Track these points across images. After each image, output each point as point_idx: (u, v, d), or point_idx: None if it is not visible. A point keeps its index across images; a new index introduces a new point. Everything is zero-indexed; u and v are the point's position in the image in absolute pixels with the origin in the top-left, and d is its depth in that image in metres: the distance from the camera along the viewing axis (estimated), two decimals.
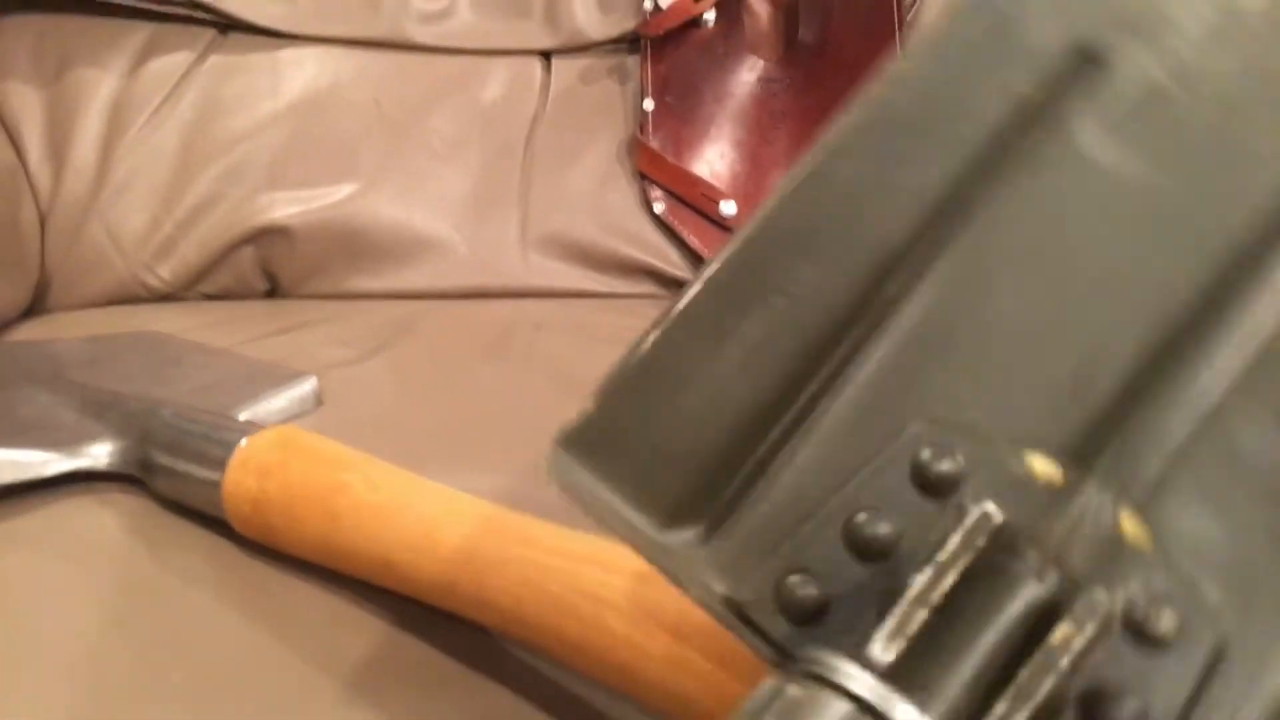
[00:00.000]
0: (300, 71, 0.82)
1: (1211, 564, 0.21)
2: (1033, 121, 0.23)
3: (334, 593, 0.41)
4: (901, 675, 0.19)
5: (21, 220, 0.76)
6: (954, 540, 0.20)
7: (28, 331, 0.74)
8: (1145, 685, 0.20)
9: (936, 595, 0.20)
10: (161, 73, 0.81)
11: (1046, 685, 0.19)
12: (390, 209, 0.80)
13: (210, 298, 0.81)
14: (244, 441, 0.44)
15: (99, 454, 0.49)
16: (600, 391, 0.24)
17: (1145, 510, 0.22)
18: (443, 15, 0.84)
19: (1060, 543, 0.21)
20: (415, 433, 0.55)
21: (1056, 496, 0.22)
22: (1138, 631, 0.20)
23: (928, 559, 0.21)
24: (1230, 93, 0.23)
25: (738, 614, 0.24)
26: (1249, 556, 0.21)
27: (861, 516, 0.23)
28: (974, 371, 0.23)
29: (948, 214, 0.24)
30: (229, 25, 0.82)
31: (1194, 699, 0.20)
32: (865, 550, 0.22)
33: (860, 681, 0.19)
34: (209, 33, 0.82)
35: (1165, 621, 0.20)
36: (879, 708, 0.19)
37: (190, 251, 0.78)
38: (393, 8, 0.83)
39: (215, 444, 0.45)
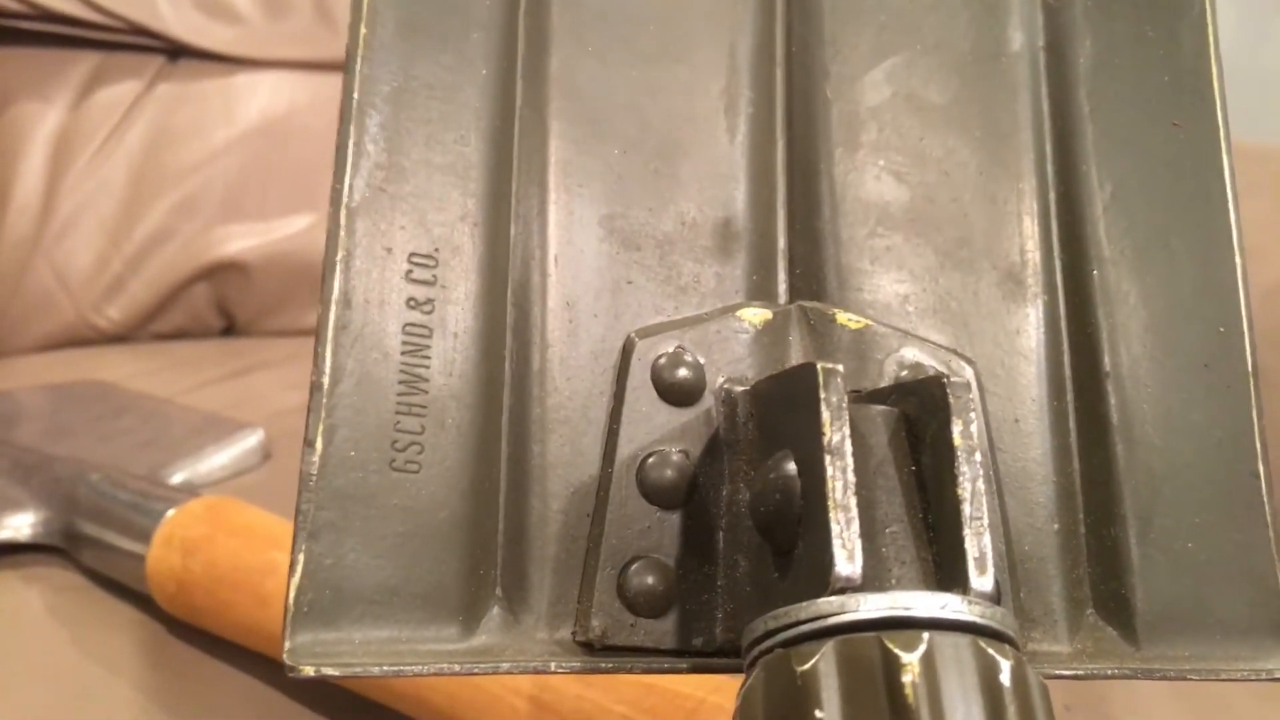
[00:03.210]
0: (254, 98, 0.79)
1: (924, 310, 0.23)
2: None
3: (266, 681, 0.37)
4: (878, 572, 0.18)
5: None
6: (824, 411, 0.18)
7: None
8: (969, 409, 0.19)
9: (848, 489, 0.18)
10: (108, 103, 0.77)
11: (982, 485, 0.18)
12: None
13: (164, 337, 0.77)
14: (171, 512, 0.41)
15: (21, 524, 0.46)
16: (306, 552, 0.20)
17: (835, 295, 0.23)
18: None
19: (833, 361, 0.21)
20: None
21: (781, 330, 0.22)
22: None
23: (813, 459, 0.18)
24: None
25: (608, 650, 0.21)
26: (936, 284, 0.23)
27: (650, 462, 0.21)
28: (649, 270, 0.23)
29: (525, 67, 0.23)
30: (178, 52, 0.78)
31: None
32: (671, 491, 0.21)
33: (866, 604, 0.17)
34: (157, 60, 0.78)
35: (937, 369, 0.22)
36: (905, 615, 0.16)
37: (141, 290, 0.75)
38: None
39: (142, 514, 0.42)
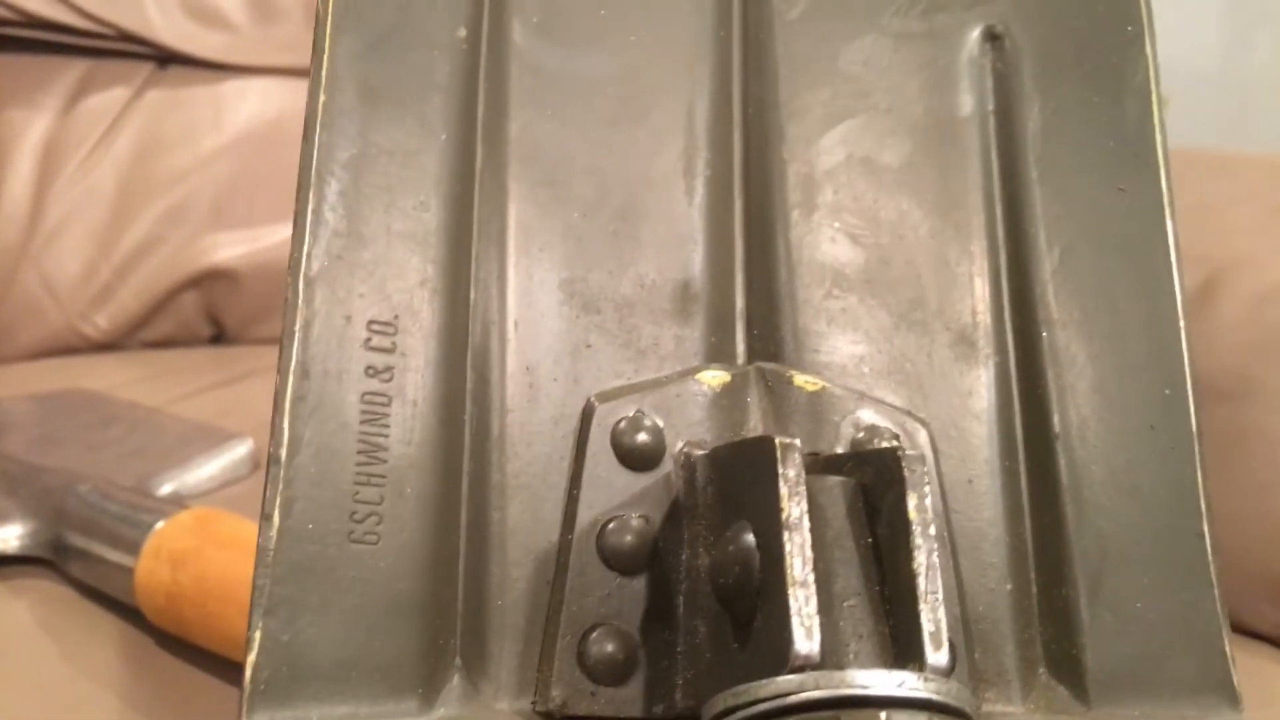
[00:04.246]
0: (244, 104, 0.79)
1: (878, 371, 0.23)
2: (482, 59, 0.23)
3: None
4: (835, 647, 0.17)
5: None
6: (782, 487, 0.18)
7: None
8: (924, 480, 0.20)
9: (806, 565, 0.18)
10: (97, 110, 0.77)
11: (937, 559, 0.18)
12: None
13: (152, 345, 0.77)
14: (159, 525, 0.41)
15: (8, 536, 0.46)
16: (263, 629, 0.20)
17: (792, 357, 0.23)
18: None
19: (771, 431, 0.22)
20: None
21: (740, 393, 0.22)
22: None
23: (771, 531, 0.18)
24: None
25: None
26: (891, 346, 0.24)
27: (610, 528, 0.21)
28: (605, 329, 0.23)
29: (483, 165, 0.23)
30: (167, 58, 0.78)
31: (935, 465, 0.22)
32: (631, 557, 0.21)
33: (825, 682, 0.17)
34: (146, 67, 0.78)
35: (887, 438, 0.22)
36: (863, 695, 0.16)
37: (129, 298, 0.74)
38: None
39: (131, 525, 0.42)
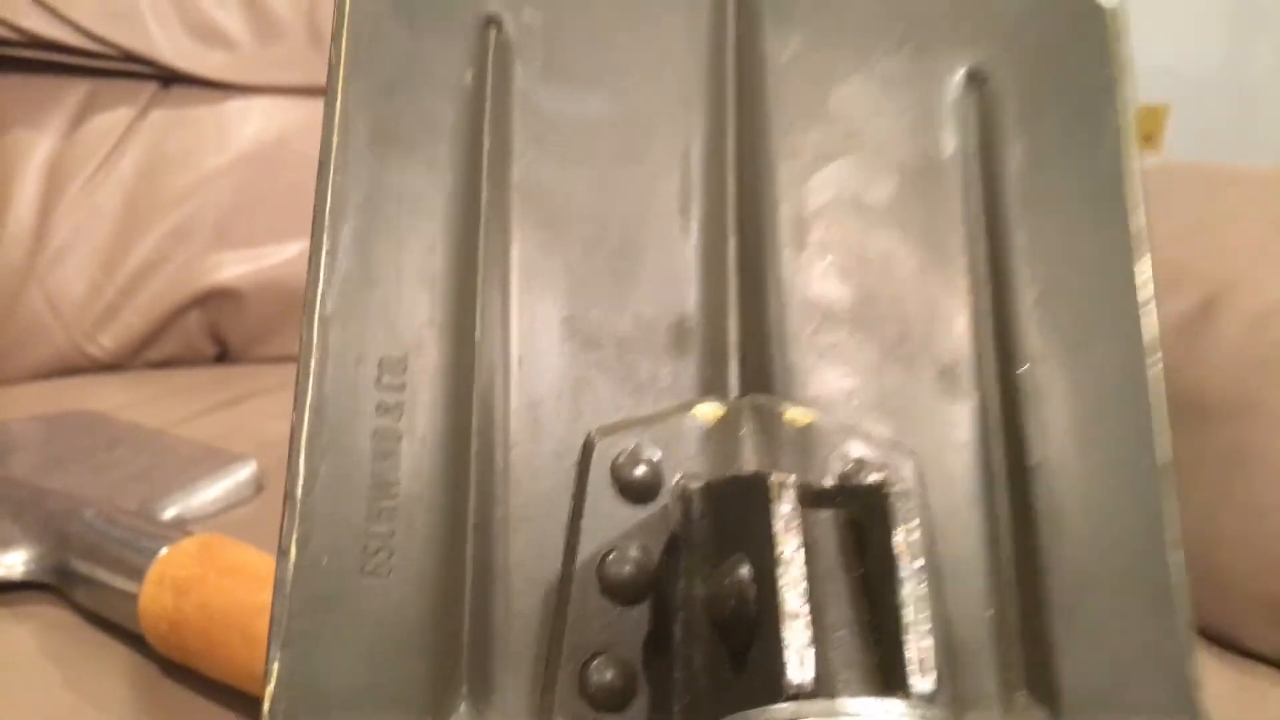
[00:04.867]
0: (247, 123, 0.79)
1: (866, 404, 0.24)
2: (487, 102, 0.24)
3: None
4: (827, 676, 0.18)
5: None
6: (777, 524, 0.19)
7: None
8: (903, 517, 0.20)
9: (801, 599, 0.18)
10: (101, 130, 0.77)
11: (924, 590, 0.19)
12: None
13: (157, 365, 0.77)
14: (163, 551, 0.41)
15: (14, 562, 0.46)
16: (280, 661, 0.21)
17: (783, 390, 0.24)
18: None
19: (764, 464, 0.22)
20: None
21: (733, 426, 0.23)
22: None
23: (769, 574, 0.19)
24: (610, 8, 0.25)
25: None
26: (879, 380, 0.24)
27: (610, 559, 0.22)
28: (604, 365, 0.24)
29: (488, 210, 0.24)
30: (171, 78, 0.79)
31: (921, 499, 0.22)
32: (630, 587, 0.21)
33: (817, 710, 0.17)
34: (150, 87, 0.79)
35: (873, 479, 0.22)
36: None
37: (134, 318, 0.75)
38: None
39: (135, 551, 0.42)
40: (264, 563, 0.39)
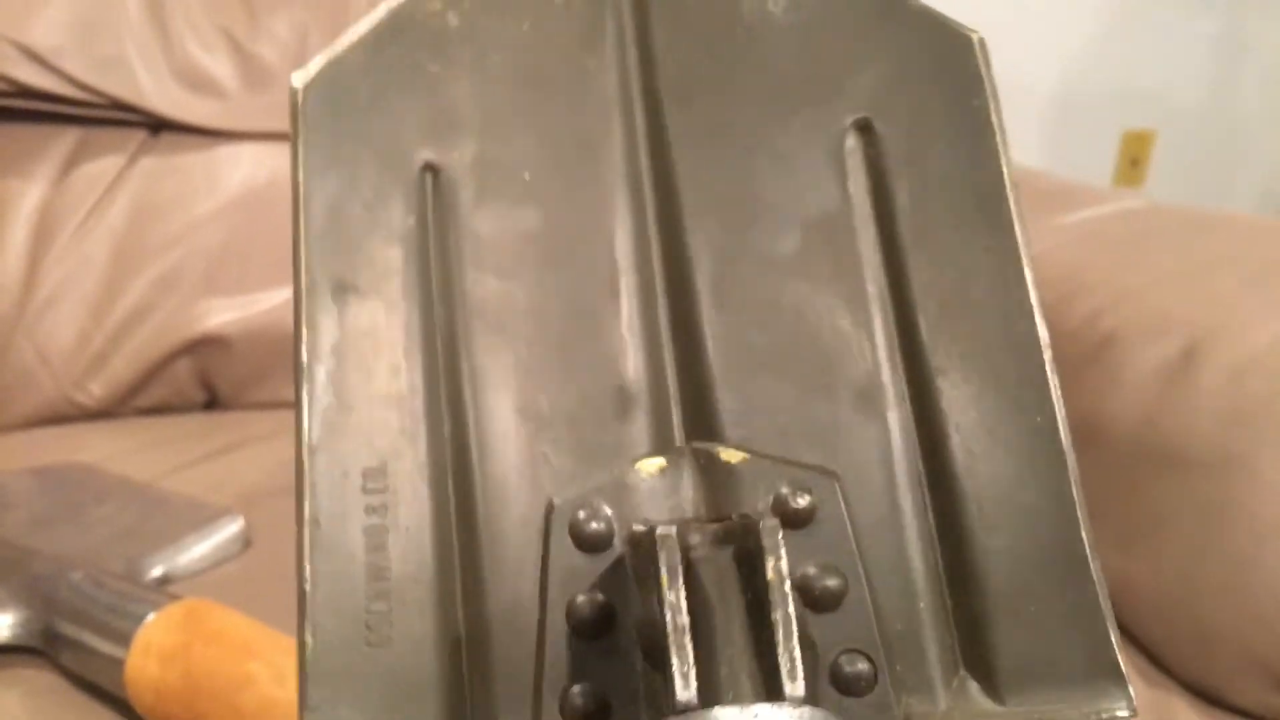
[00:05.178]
0: (236, 169, 0.80)
1: (795, 435, 0.28)
2: (430, 238, 0.28)
3: None
4: (709, 693, 0.22)
5: None
6: (663, 570, 0.23)
7: None
8: (815, 552, 0.25)
9: (682, 620, 0.22)
10: (91, 178, 0.78)
11: (791, 610, 0.22)
12: None
13: (146, 412, 0.77)
14: (150, 617, 0.41)
15: (0, 625, 0.46)
16: None
17: (722, 434, 0.28)
18: None
19: (707, 501, 0.26)
20: None
21: (676, 472, 0.27)
22: (793, 523, 0.25)
23: (653, 597, 0.23)
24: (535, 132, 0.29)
25: None
26: (803, 412, 0.28)
27: (577, 603, 0.25)
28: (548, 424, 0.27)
29: (444, 334, 0.27)
30: (160, 125, 0.79)
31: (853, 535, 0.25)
32: (594, 625, 0.25)
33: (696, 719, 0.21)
34: (140, 134, 0.79)
35: (802, 502, 0.25)
36: None
37: (122, 366, 0.75)
38: None
39: (122, 617, 0.42)
40: (249, 628, 0.39)
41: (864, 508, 0.28)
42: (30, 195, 0.76)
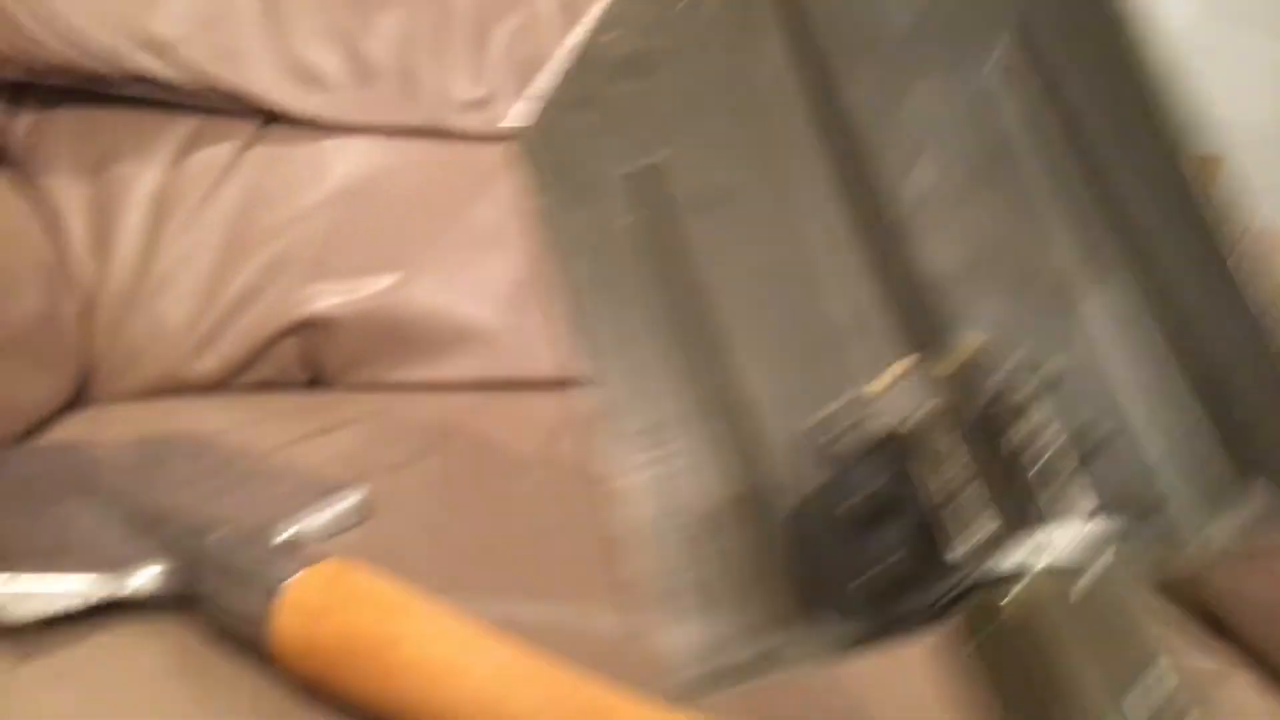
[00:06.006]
0: (342, 161, 0.82)
1: (1012, 329, 0.31)
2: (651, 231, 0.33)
3: None
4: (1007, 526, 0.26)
5: (61, 315, 0.76)
6: (939, 437, 0.28)
7: (70, 427, 0.73)
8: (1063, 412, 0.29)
9: (968, 470, 0.27)
10: (205, 164, 0.81)
11: (1060, 447, 0.27)
12: (433, 298, 0.80)
13: (250, 388, 0.80)
14: (295, 576, 0.43)
15: (144, 578, 0.48)
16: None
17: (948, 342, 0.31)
18: (482, 103, 0.84)
19: (951, 393, 0.30)
20: (463, 551, 0.54)
21: (924, 372, 0.31)
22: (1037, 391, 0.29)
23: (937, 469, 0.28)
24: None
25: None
26: (1016, 310, 0.32)
27: (855, 500, 0.30)
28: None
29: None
30: (271, 117, 0.82)
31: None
32: (880, 511, 0.29)
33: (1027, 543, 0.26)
34: (252, 124, 0.82)
35: (1039, 372, 0.30)
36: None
37: (232, 345, 0.78)
38: (432, 97, 0.83)
39: (264, 578, 0.44)
40: (394, 590, 0.41)
41: (1087, 381, 0.31)
42: (147, 178, 0.80)
